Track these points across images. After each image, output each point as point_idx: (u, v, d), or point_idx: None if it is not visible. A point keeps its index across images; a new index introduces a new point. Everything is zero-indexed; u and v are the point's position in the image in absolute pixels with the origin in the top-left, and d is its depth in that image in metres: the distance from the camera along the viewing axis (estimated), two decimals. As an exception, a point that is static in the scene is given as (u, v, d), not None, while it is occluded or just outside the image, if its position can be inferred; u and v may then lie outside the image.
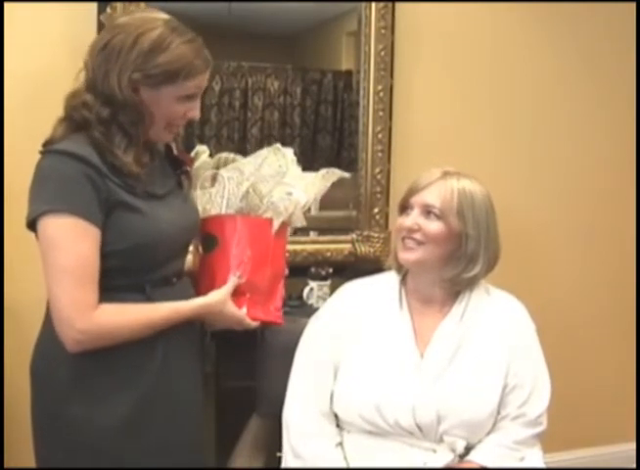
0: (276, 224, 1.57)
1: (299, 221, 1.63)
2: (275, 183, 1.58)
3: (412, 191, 1.57)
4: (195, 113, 1.46)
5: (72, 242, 1.32)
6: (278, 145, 1.64)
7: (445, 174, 1.55)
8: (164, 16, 1.42)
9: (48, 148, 1.37)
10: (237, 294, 1.53)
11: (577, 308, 2.72)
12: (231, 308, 1.51)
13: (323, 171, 1.68)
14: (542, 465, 1.56)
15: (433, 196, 1.53)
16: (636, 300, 2.78)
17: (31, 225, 1.35)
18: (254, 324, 1.55)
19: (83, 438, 1.41)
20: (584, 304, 2.73)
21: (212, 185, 1.62)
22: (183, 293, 1.50)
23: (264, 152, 1.64)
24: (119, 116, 1.38)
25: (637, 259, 2.78)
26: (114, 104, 1.37)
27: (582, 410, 2.72)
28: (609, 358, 2.78)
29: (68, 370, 1.40)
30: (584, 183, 2.69)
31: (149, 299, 1.43)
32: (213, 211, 1.59)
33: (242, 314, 1.53)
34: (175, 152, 1.57)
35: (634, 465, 2.71)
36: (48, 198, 1.32)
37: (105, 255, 1.36)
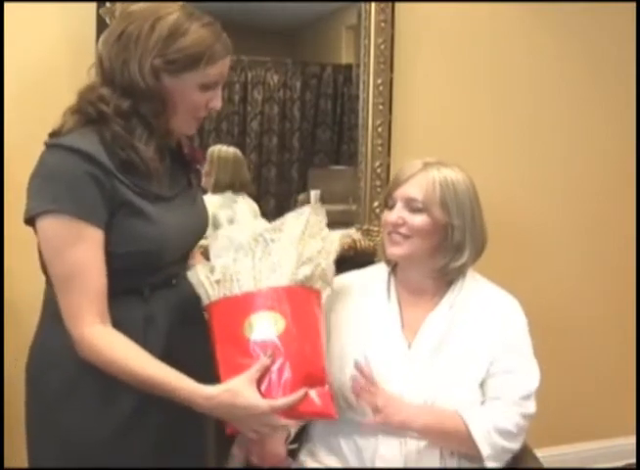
0: (324, 296, 1.42)
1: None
2: (320, 249, 1.41)
3: (395, 184, 1.56)
4: (217, 102, 1.39)
5: (72, 247, 1.27)
6: (319, 203, 1.45)
7: (426, 165, 1.55)
8: (178, 3, 1.36)
9: (54, 141, 1.31)
10: (294, 384, 1.26)
11: (577, 302, 2.72)
12: (251, 399, 1.24)
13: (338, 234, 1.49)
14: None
15: (415, 189, 1.52)
16: (636, 292, 2.78)
17: (29, 220, 1.31)
18: (291, 423, 1.31)
19: (75, 445, 1.37)
20: (584, 297, 2.73)
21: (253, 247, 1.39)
22: (182, 294, 1.43)
23: (306, 212, 1.44)
24: (140, 107, 1.32)
25: (637, 254, 2.78)
26: (135, 94, 1.31)
27: (581, 404, 2.72)
28: (608, 352, 2.78)
29: (62, 374, 1.36)
30: (584, 177, 2.69)
31: (146, 302, 1.38)
32: (263, 284, 1.33)
33: (266, 405, 1.24)
34: (185, 149, 1.50)
35: (634, 459, 2.72)
36: (50, 197, 1.27)
37: (105, 255, 1.31)
